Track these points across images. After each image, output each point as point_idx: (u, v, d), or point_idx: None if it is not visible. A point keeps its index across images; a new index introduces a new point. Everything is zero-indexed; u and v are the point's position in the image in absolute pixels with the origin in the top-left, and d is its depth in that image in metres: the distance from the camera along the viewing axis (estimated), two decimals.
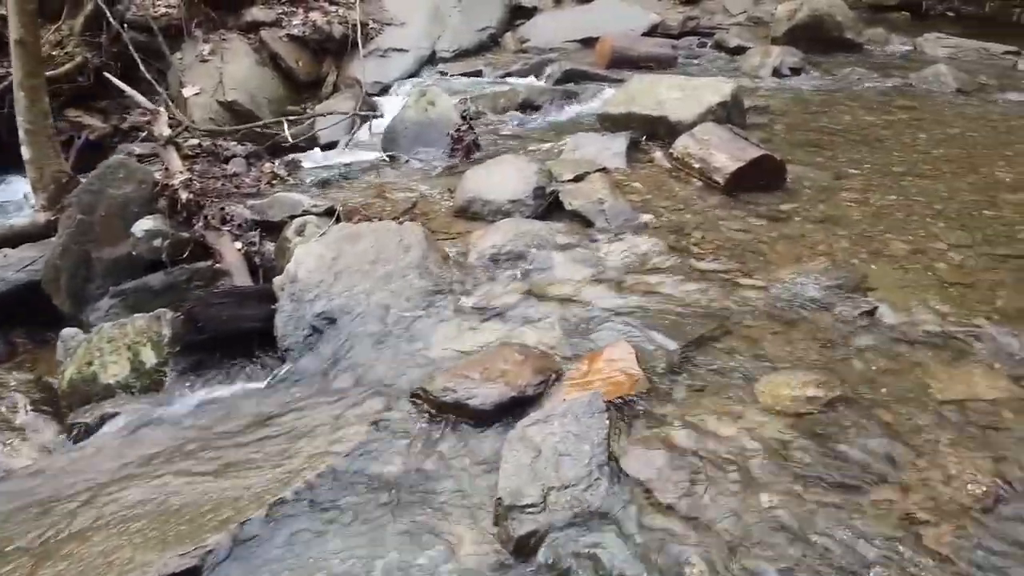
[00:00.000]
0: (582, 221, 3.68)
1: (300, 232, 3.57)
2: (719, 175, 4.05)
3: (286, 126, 4.60)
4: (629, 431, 2.17)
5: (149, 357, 2.74)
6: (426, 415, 2.34)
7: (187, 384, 2.68)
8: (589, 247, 3.41)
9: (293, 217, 3.75)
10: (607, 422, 2.10)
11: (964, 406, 2.35)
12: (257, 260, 3.81)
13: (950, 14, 10.01)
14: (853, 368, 2.53)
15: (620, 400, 2.31)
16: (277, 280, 2.92)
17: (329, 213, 3.75)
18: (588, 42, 8.08)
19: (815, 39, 7.79)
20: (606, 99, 5.77)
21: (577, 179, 4.09)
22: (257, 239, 3.86)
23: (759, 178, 4.05)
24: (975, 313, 2.84)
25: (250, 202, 4.05)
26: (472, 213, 3.94)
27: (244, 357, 2.79)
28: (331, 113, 5.40)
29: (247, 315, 2.81)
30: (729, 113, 4.98)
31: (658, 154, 4.52)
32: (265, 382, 2.67)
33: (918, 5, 9.89)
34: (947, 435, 2.22)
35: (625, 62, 7.20)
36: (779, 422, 2.25)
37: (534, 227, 3.49)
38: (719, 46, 8.19)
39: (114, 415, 2.54)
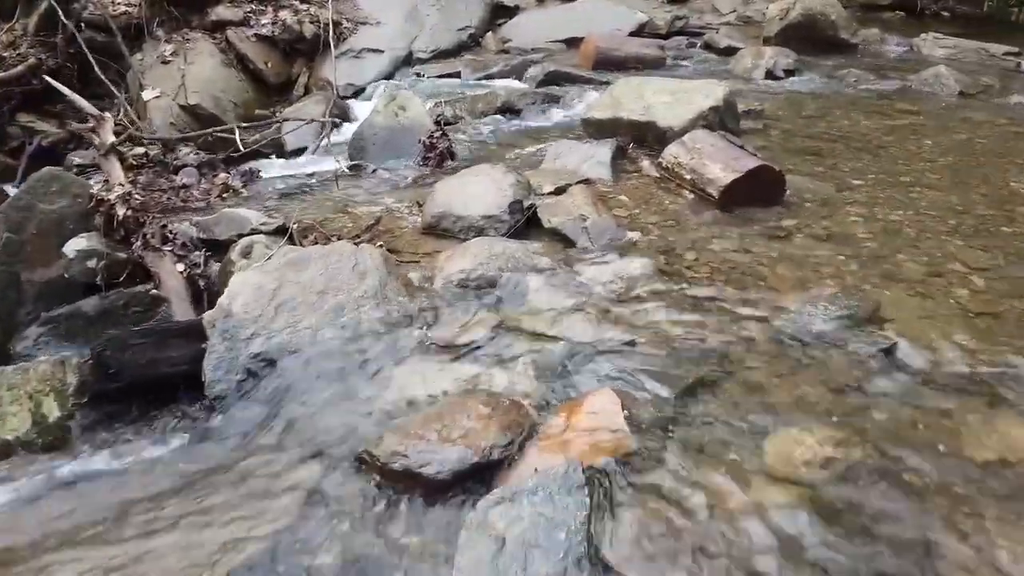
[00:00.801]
0: (562, 240, 3.31)
1: (246, 254, 3.18)
2: (713, 187, 3.69)
3: (238, 133, 4.21)
4: (613, 509, 1.81)
5: (52, 409, 2.34)
6: (372, 484, 1.97)
7: (95, 442, 2.29)
8: (570, 270, 3.04)
9: (241, 236, 3.36)
10: (587, 500, 1.74)
11: (1006, 467, 2.01)
12: (201, 284, 3.42)
13: (945, 13, 9.74)
14: (873, 421, 2.17)
15: (603, 465, 1.94)
16: (208, 315, 2.53)
17: (281, 232, 3.37)
18: (572, 42, 7.74)
19: (808, 39, 7.49)
20: (590, 103, 5.43)
21: (558, 192, 3.74)
22: (202, 260, 3.47)
23: (756, 191, 3.70)
24: (1007, 349, 2.50)
25: (196, 218, 3.66)
26: (442, 230, 3.57)
27: (166, 407, 2.40)
28: (287, 119, 5.00)
29: (171, 357, 2.43)
30: (722, 118, 4.64)
31: (646, 163, 4.16)
32: (188, 438, 2.28)
33: (913, 4, 9.60)
34: (989, 506, 1.87)
35: (611, 63, 6.87)
36: (791, 493, 1.89)
37: (508, 247, 3.12)
38: (709, 46, 7.87)
39: (5, 479, 2.15)
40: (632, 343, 2.54)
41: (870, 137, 4.88)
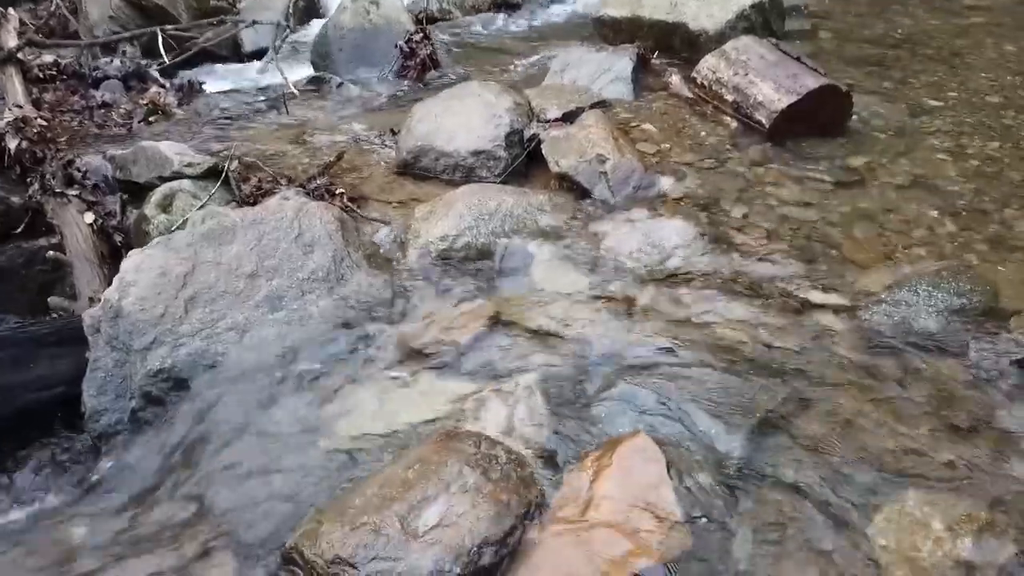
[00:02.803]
0: (574, 189, 2.59)
1: (165, 207, 2.46)
2: (762, 113, 2.93)
3: (161, 39, 3.37)
4: None
5: None
6: None
7: None
8: (585, 234, 2.34)
9: (163, 179, 2.62)
10: None
11: None
12: (118, 239, 2.71)
13: None
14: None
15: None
16: (88, 315, 1.85)
17: (213, 174, 2.63)
18: None
19: None
20: None
21: (566, 118, 2.97)
22: (118, 208, 2.75)
23: (816, 117, 2.94)
24: None
25: (112, 151, 2.90)
26: (421, 169, 2.83)
27: (36, 448, 1.76)
28: (219, 20, 4.06)
29: (40, 377, 1.76)
30: (766, 18, 3.81)
31: (675, 79, 3.36)
32: (56, 501, 1.65)
33: None
34: None
35: None
36: None
37: (505, 202, 2.40)
38: None
39: None
40: (672, 351, 1.88)
41: (939, 41, 4.04)
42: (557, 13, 4.72)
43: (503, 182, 2.76)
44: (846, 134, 2.98)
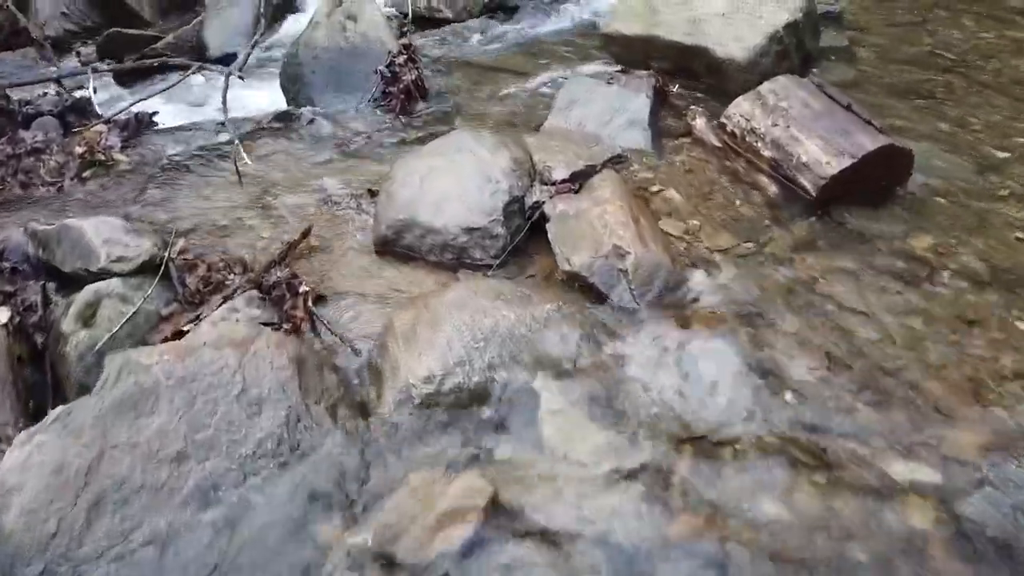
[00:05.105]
0: (587, 290, 2.13)
1: (87, 318, 2.00)
2: (808, 177, 2.47)
3: (91, 81, 2.84)
4: None
5: None
6: None
7: None
8: (603, 361, 1.90)
9: (89, 273, 2.16)
10: None
11: None
12: (39, 340, 2.26)
13: None
14: None
15: None
16: None
17: (150, 269, 2.16)
18: None
19: None
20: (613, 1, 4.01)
21: (575, 179, 2.51)
22: (39, 300, 2.28)
23: (871, 180, 2.50)
24: None
25: (33, 225, 2.42)
26: (404, 248, 2.38)
27: None
28: (160, 57, 3.51)
29: None
30: (800, 39, 3.34)
31: (699, 121, 2.88)
32: None
33: None
34: None
35: None
36: None
37: (504, 318, 1.95)
38: None
39: None
40: (718, 565, 1.46)
41: (996, 63, 3.55)
42: (559, 20, 4.19)
43: (500, 264, 2.32)
44: (902, 201, 2.53)
